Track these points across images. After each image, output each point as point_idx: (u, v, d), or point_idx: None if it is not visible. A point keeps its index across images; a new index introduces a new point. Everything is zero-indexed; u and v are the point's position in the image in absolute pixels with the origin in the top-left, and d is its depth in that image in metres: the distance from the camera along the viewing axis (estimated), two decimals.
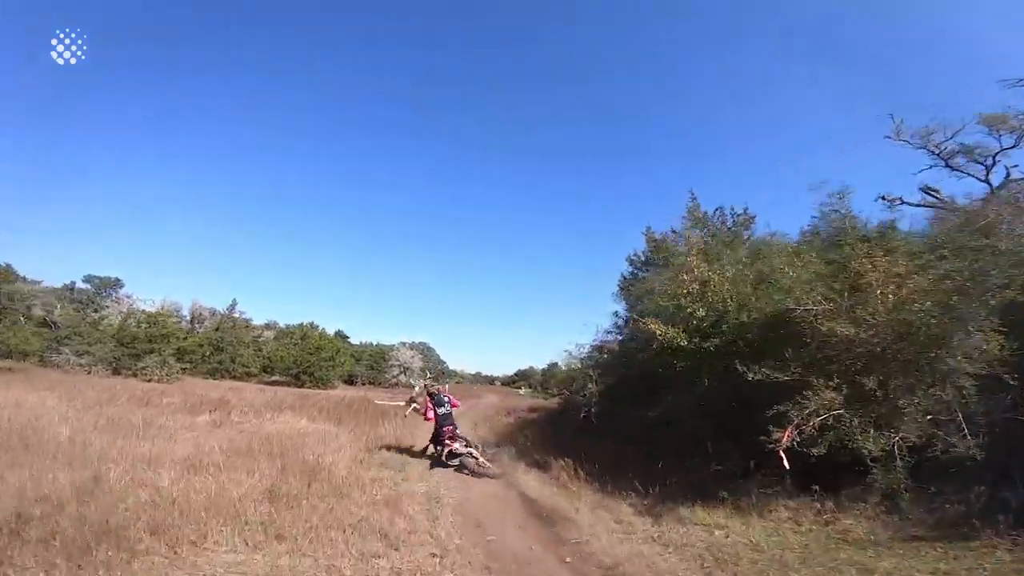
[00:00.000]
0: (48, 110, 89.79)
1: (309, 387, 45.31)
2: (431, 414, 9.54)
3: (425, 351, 76.36)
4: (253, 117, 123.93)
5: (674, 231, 19.05)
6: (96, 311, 33.77)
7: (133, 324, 31.87)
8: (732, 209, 18.85)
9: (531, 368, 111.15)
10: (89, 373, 27.49)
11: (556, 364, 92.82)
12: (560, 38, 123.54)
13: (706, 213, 18.78)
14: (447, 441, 9.17)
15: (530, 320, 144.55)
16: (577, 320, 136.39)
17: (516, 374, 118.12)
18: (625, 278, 19.00)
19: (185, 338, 34.32)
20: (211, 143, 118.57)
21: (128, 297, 47.64)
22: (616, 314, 15.71)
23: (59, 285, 48.18)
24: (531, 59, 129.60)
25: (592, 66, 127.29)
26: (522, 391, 70.69)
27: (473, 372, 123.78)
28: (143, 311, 34.50)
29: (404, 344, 70.02)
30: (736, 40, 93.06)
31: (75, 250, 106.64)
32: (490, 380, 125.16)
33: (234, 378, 46.85)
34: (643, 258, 19.10)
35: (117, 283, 48.62)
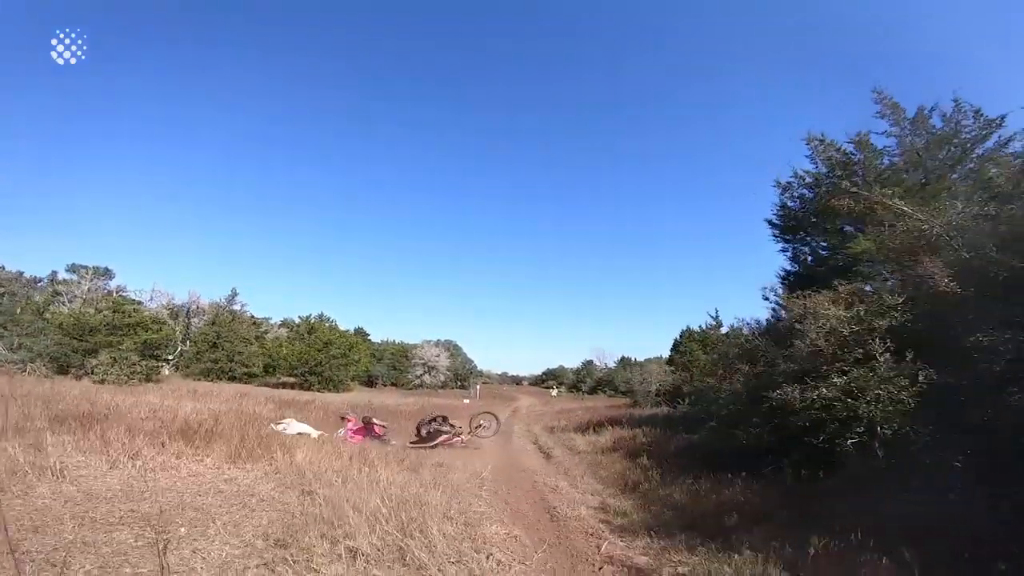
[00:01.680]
0: (52, 108, 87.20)
1: (318, 390, 38.77)
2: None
3: (452, 349, 69.40)
4: (272, 113, 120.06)
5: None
6: (47, 297, 27.44)
7: (91, 312, 25.66)
8: (958, 104, 11.22)
9: (561, 367, 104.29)
10: (24, 372, 21.35)
11: (591, 362, 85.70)
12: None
13: (922, 109, 11.33)
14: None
15: (557, 320, 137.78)
16: (605, 318, 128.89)
17: (545, 373, 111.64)
18: (789, 209, 11.49)
19: (159, 330, 27.97)
20: (222, 139, 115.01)
21: (121, 289, 42.34)
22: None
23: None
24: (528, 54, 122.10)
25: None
26: (554, 391, 63.01)
27: (499, 372, 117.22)
28: (106, 297, 28.20)
29: (428, 342, 63.20)
30: None
31: (99, 251, 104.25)
32: (517, 380, 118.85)
33: (233, 379, 40.67)
34: (809, 179, 11.50)
35: (107, 273, 43.09)
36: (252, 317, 54.34)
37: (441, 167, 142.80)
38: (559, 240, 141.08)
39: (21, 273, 36.60)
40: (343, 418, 11.24)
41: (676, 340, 42.15)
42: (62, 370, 23.32)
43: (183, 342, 43.43)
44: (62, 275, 42.17)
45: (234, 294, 44.55)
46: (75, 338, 23.82)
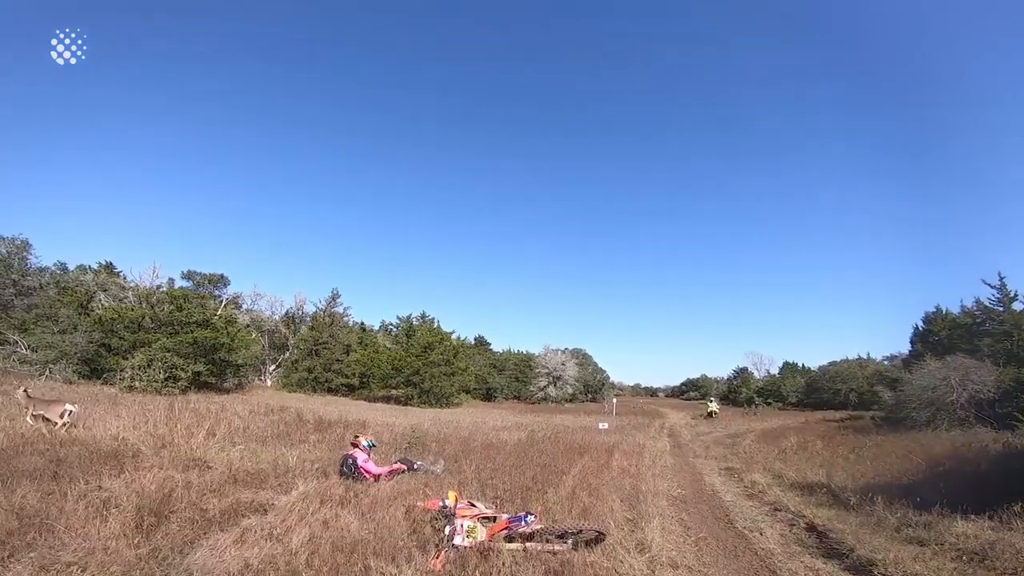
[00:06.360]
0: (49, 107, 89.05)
1: (417, 405, 32.04)
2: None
3: (581, 357, 59.61)
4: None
5: None
6: (86, 291, 23.73)
7: (141, 305, 21.47)
8: None
9: (704, 377, 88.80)
10: (43, 376, 17.19)
11: (745, 369, 68.87)
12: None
13: None
14: None
15: (698, 327, 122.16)
16: (754, 323, 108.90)
17: (685, 384, 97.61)
18: None
19: (226, 328, 23.00)
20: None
21: (237, 296, 41.03)
22: None
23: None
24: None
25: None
26: (713, 405, 46.82)
27: (632, 383, 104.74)
28: (166, 290, 24.11)
29: (553, 349, 54.25)
30: None
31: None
32: (652, 392, 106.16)
33: (330, 391, 36.08)
34: None
35: (222, 280, 42.20)
36: (362, 324, 50.95)
37: (577, 169, 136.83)
38: (703, 245, 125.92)
39: (83, 265, 35.14)
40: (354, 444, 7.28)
41: (920, 328, 27.96)
42: (96, 373, 19.01)
43: (291, 349, 40.63)
44: (179, 283, 42.13)
45: (335, 296, 40.47)
46: (115, 335, 19.51)
